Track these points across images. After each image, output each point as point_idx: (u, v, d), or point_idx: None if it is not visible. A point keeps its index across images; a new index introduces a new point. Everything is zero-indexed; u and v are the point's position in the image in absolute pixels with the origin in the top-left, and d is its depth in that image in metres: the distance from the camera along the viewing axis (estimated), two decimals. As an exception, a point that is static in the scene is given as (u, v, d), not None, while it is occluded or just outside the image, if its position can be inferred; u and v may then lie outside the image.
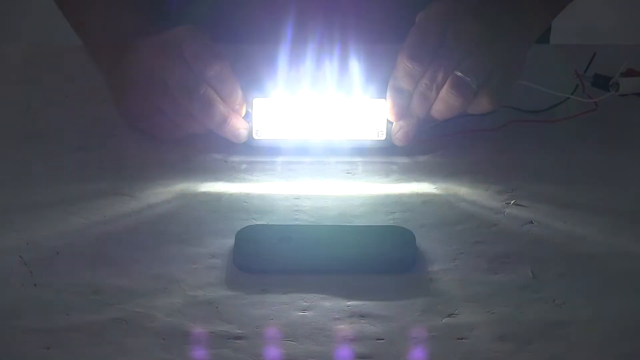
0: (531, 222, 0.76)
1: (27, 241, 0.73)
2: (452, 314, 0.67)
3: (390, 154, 0.84)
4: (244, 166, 0.84)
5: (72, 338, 0.64)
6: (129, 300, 0.67)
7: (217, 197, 0.79)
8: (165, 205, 0.78)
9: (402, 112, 0.82)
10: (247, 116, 0.84)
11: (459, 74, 0.80)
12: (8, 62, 1.03)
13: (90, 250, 0.72)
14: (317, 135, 0.84)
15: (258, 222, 0.76)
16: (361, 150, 0.84)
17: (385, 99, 0.83)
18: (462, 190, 0.80)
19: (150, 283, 0.69)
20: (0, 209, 0.77)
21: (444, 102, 0.81)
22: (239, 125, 0.83)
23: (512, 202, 0.79)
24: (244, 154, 0.85)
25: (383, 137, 0.83)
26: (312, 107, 0.83)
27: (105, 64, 0.91)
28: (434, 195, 0.80)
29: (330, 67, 0.86)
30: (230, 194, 0.80)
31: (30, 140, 0.87)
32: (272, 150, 0.84)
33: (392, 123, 0.83)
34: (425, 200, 0.79)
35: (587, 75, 0.92)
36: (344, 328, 0.65)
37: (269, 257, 0.71)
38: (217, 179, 0.82)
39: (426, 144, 0.85)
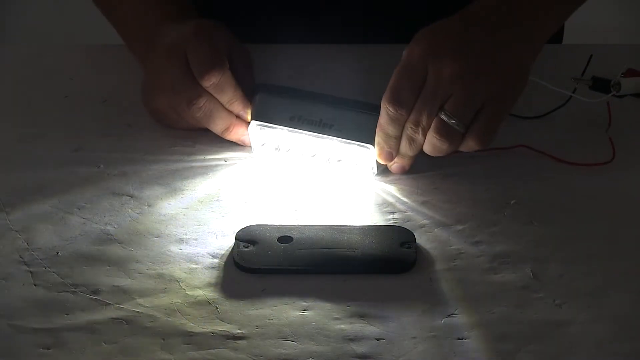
0: (531, 222, 0.76)
1: (27, 241, 0.73)
2: (452, 314, 0.67)
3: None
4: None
5: (72, 338, 0.64)
6: (129, 300, 0.67)
7: (217, 197, 0.79)
8: (165, 205, 0.78)
9: (391, 156, 0.80)
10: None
11: (443, 117, 0.77)
12: (8, 62, 1.03)
13: (90, 250, 0.72)
14: (308, 166, 0.83)
15: (258, 222, 0.76)
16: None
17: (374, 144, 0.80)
18: (462, 190, 0.80)
19: (150, 283, 0.69)
20: (1, 209, 0.77)
21: (432, 145, 0.79)
22: (242, 132, 0.85)
23: (512, 202, 0.79)
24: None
25: (370, 179, 0.82)
26: (304, 142, 0.82)
27: (140, 57, 0.92)
28: (434, 195, 0.80)
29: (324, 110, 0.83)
30: (230, 194, 0.80)
31: (30, 140, 0.87)
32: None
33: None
34: (425, 200, 0.79)
35: (584, 78, 0.92)
36: (344, 328, 0.65)
37: (269, 257, 0.71)
38: (217, 179, 0.82)
39: (436, 159, 0.83)
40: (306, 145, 0.82)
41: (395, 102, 0.78)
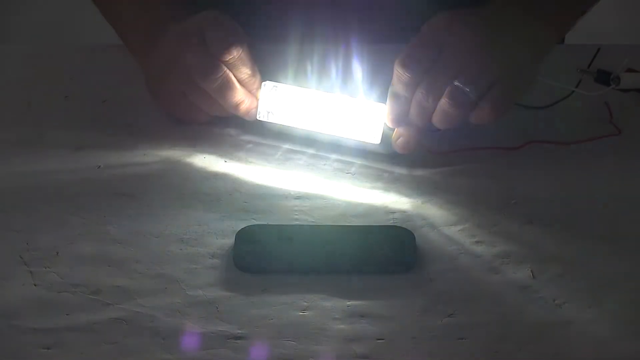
0: (531, 222, 0.76)
1: (27, 241, 0.73)
2: (452, 314, 0.67)
3: (389, 160, 0.84)
4: (249, 145, 0.86)
5: (72, 338, 0.64)
6: (129, 300, 0.67)
7: (217, 197, 0.79)
8: (165, 205, 0.78)
9: (400, 119, 0.81)
10: None
11: (457, 84, 0.78)
12: (8, 62, 1.03)
13: (90, 250, 0.72)
14: (316, 128, 0.84)
15: (258, 222, 0.76)
16: (360, 151, 0.84)
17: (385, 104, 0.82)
18: (462, 190, 0.80)
19: (150, 283, 0.69)
20: (1, 209, 0.77)
21: (443, 112, 0.79)
22: (253, 106, 0.86)
23: (512, 201, 0.79)
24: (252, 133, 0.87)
25: (376, 142, 0.82)
26: (315, 100, 0.84)
27: (138, 52, 0.93)
28: (434, 195, 0.80)
29: (337, 67, 0.87)
30: (230, 194, 0.80)
31: (30, 140, 0.87)
32: (276, 134, 0.86)
33: (392, 129, 0.82)
34: (425, 200, 0.79)
35: (590, 70, 0.92)
36: (344, 328, 0.65)
37: (269, 257, 0.71)
38: (217, 179, 0.82)
39: (437, 158, 0.84)
40: (315, 109, 0.83)
41: (405, 65, 0.79)
